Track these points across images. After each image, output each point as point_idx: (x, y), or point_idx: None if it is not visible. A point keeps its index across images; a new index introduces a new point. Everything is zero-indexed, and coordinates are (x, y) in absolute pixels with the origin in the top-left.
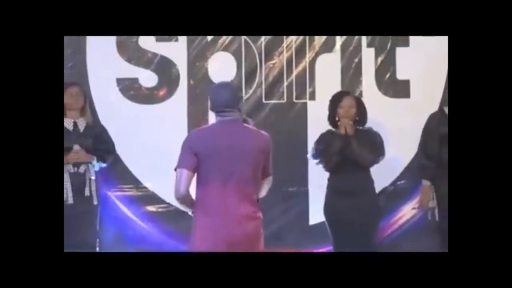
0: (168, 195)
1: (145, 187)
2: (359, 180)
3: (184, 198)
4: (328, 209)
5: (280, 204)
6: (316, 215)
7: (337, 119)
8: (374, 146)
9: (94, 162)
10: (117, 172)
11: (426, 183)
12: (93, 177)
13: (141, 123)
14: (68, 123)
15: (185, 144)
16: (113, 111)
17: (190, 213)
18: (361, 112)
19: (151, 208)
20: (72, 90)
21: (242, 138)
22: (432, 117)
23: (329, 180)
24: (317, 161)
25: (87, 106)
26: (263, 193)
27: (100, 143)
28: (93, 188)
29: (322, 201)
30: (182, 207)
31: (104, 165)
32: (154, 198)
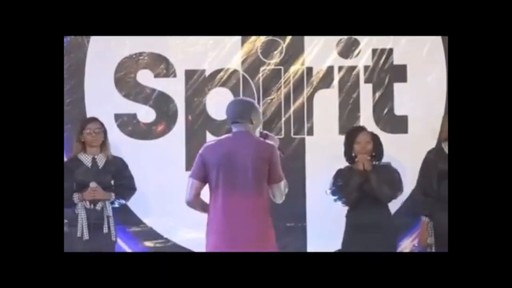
0: (166, 230)
1: (143, 223)
2: (378, 215)
3: (193, 204)
4: (347, 244)
5: (278, 239)
6: (314, 250)
7: (353, 154)
8: (393, 182)
9: (112, 199)
10: (116, 208)
11: (425, 219)
12: (110, 215)
13: (139, 158)
14: (86, 160)
15: (198, 155)
16: (111, 147)
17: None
18: (377, 147)
19: (149, 243)
20: (92, 126)
21: (244, 147)
22: (430, 153)
23: (347, 216)
24: (335, 197)
25: (107, 141)
26: (278, 198)
27: (121, 179)
28: (112, 225)
29: (320, 237)
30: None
31: (123, 201)
32: (152, 234)
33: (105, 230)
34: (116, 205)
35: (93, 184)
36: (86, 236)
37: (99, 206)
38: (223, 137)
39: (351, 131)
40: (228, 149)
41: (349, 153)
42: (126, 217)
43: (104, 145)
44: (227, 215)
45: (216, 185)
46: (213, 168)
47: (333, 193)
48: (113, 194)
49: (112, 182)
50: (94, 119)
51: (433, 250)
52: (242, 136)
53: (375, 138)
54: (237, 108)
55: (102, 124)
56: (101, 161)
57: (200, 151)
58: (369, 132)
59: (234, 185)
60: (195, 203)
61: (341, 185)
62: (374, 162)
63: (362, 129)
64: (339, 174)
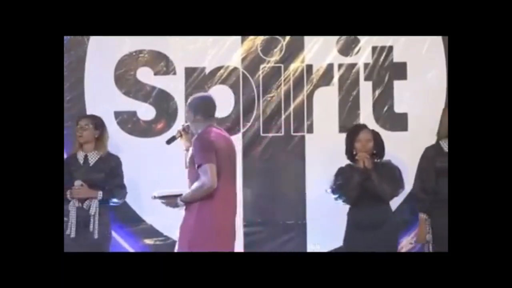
0: (166, 228)
1: (143, 220)
2: (379, 213)
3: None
4: (348, 242)
5: (278, 237)
6: (314, 248)
7: (354, 152)
8: (394, 179)
9: (100, 197)
10: (115, 206)
11: (422, 216)
12: (93, 213)
13: (139, 156)
14: (80, 157)
15: (205, 142)
16: (111, 144)
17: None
18: (378, 145)
19: (149, 241)
20: (81, 123)
21: (228, 140)
22: (428, 150)
23: (348, 214)
24: (336, 196)
25: (104, 138)
26: None
27: (112, 177)
28: (96, 223)
29: (320, 234)
30: (198, 197)
31: (115, 200)
32: (152, 232)
33: (91, 228)
34: (109, 203)
35: (77, 182)
36: (73, 234)
37: (86, 205)
38: (209, 128)
39: (352, 129)
40: (225, 141)
41: (350, 151)
42: (126, 215)
43: (99, 142)
44: (226, 201)
45: (221, 173)
46: (219, 156)
47: (333, 192)
48: (100, 192)
49: (104, 180)
50: (85, 116)
51: (431, 248)
52: (221, 130)
53: (376, 136)
54: (212, 103)
55: (92, 121)
56: (93, 158)
57: (207, 140)
58: (370, 130)
59: (230, 175)
60: None
61: (342, 183)
62: (375, 160)
63: (363, 127)
64: (340, 172)
